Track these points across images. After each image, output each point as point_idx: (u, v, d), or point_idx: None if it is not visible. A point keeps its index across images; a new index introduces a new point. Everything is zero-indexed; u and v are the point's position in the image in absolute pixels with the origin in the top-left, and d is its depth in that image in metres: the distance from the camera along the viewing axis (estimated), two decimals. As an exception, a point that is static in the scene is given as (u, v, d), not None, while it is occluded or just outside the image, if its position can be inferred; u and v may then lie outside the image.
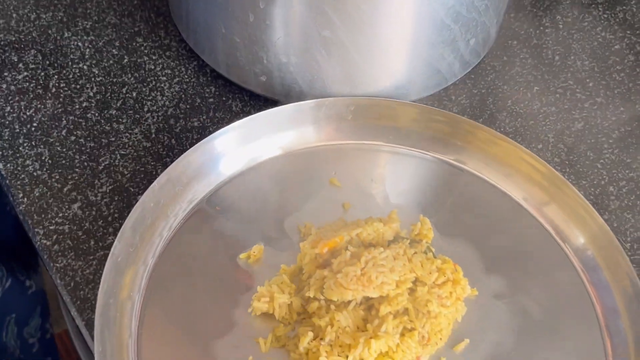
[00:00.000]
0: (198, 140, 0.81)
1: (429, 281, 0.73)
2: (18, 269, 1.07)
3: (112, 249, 0.71)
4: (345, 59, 0.82)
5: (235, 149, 0.82)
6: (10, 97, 0.89)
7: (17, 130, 0.87)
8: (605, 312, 0.75)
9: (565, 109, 0.95)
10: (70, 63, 0.93)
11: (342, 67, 0.83)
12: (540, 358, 0.72)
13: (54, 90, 0.91)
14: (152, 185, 0.76)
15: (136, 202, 0.75)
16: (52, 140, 0.86)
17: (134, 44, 0.96)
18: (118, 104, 0.90)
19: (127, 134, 0.87)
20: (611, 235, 0.77)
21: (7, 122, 0.87)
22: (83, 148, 0.86)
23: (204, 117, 0.90)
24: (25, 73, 0.92)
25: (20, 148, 0.85)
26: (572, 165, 0.90)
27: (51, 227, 0.79)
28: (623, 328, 0.73)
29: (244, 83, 0.87)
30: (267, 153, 0.84)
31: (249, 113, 0.88)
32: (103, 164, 0.85)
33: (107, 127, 0.88)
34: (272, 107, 0.84)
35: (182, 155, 0.78)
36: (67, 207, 0.81)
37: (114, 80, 0.92)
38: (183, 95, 0.92)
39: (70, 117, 0.88)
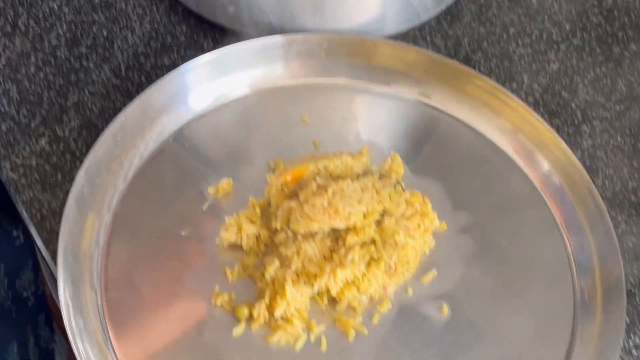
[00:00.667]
0: (168, 76, 0.80)
1: (397, 213, 0.73)
2: (5, 219, 1.06)
3: (76, 178, 0.70)
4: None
5: (204, 84, 0.81)
6: (-22, 35, 0.88)
7: (-15, 67, 0.86)
8: (572, 239, 0.75)
9: (541, 51, 0.95)
10: (39, 1, 0.92)
11: (311, -2, 0.81)
12: (509, 287, 0.72)
13: (23, 28, 0.89)
14: (118, 116, 0.75)
15: (103, 135, 0.74)
16: (20, 77, 0.85)
17: (106, -17, 0.95)
18: (88, 42, 0.89)
19: (96, 71, 0.86)
20: (574, 161, 0.78)
21: (-25, 60, 0.86)
22: (52, 85, 0.85)
23: (175, 55, 0.89)
24: (-6, 11, 0.91)
25: (-12, 84, 0.84)
26: (546, 105, 0.89)
27: (18, 161, 0.78)
28: (589, 248, 0.74)
29: (213, 16, 0.86)
30: (237, 89, 0.83)
31: (220, 51, 0.87)
32: (72, 100, 0.84)
33: (76, 65, 0.87)
34: (243, 44, 0.83)
35: (149, 88, 0.77)
36: (34, 141, 0.80)
37: (84, 18, 0.91)
38: (154, 34, 0.90)
39: (39, 55, 0.87)
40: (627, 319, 0.74)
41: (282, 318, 0.68)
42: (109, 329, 0.66)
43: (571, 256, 0.75)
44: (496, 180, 0.80)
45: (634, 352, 0.73)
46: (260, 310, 0.68)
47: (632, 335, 0.73)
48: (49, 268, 0.76)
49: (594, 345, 0.69)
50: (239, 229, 0.72)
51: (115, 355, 0.65)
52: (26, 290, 1.06)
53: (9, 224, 1.05)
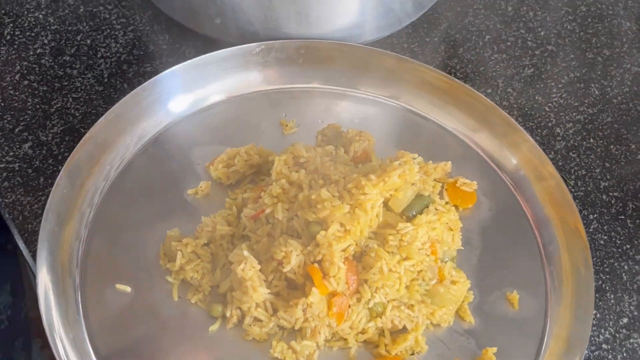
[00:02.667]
0: (150, 83, 0.82)
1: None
2: None
3: (57, 179, 0.72)
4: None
5: (184, 90, 0.83)
6: (-35, 45, 0.90)
7: (-29, 75, 0.88)
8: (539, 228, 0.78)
9: (515, 56, 0.97)
10: (25, 12, 0.94)
11: (295, 6, 0.83)
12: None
13: (8, 37, 0.92)
14: (99, 120, 0.77)
15: (85, 139, 0.76)
16: (4, 84, 0.87)
17: (90, -6, 0.97)
18: (72, 51, 0.91)
19: (80, 79, 0.88)
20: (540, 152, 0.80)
21: (-39, 68, 0.88)
22: (36, 92, 0.87)
23: (157, 62, 0.91)
24: (-20, 21, 0.93)
25: (-27, 91, 0.86)
26: (520, 108, 0.91)
27: (1, 165, 0.80)
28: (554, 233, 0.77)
29: (200, 28, 0.88)
30: (217, 95, 0.85)
31: (201, 59, 0.89)
32: (55, 107, 0.85)
33: (60, 72, 0.89)
34: (223, 51, 0.85)
35: (130, 93, 0.79)
36: (17, 146, 0.82)
37: (69, 28, 0.93)
38: (137, 42, 0.93)
39: (24, 63, 0.89)
40: (598, 313, 0.75)
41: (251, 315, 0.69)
42: (84, 323, 0.68)
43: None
44: (465, 172, 0.82)
45: (604, 346, 0.74)
46: (233, 310, 0.69)
47: (602, 331, 0.75)
48: (33, 282, 0.77)
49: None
50: (213, 229, 0.73)
51: (92, 349, 0.67)
52: (1, 314, 1.05)
53: None
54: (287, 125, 0.84)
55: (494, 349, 0.69)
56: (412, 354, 0.70)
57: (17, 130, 0.83)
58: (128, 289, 0.70)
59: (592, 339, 0.74)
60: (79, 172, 0.75)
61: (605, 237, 0.81)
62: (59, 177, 0.73)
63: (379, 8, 0.88)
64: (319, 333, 0.68)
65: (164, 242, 0.73)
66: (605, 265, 0.79)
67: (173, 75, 0.82)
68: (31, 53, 0.90)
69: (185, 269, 0.71)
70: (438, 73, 0.85)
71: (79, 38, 0.92)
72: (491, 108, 0.82)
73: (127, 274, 0.71)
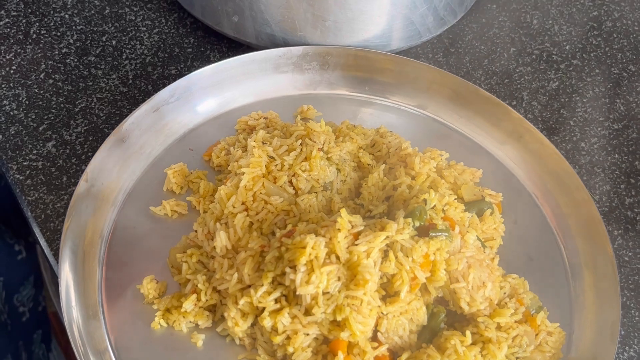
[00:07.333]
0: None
1: None
2: (7, 233, 1.07)
3: (80, 179, 0.72)
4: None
5: (210, 92, 0.83)
6: (-10, 42, 0.91)
7: (-4, 73, 0.88)
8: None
9: (540, 69, 0.96)
10: (52, 12, 0.94)
11: (312, 8, 0.82)
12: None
13: (34, 36, 0.92)
14: (125, 119, 0.77)
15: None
16: (30, 82, 0.87)
17: (116, -4, 0.97)
18: (97, 51, 0.91)
19: (104, 79, 0.88)
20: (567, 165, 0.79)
21: (-13, 66, 0.88)
22: (60, 91, 0.87)
23: (182, 65, 0.91)
24: (7, 20, 0.93)
25: (-2, 89, 0.86)
26: (545, 122, 0.90)
27: (25, 163, 0.80)
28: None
29: (218, 25, 0.88)
30: (244, 98, 0.85)
31: (226, 63, 0.89)
32: (79, 106, 0.85)
33: (85, 72, 0.89)
34: (248, 55, 0.85)
35: (157, 93, 0.79)
36: (41, 145, 0.82)
37: (95, 29, 0.93)
38: (162, 45, 0.92)
39: (50, 62, 0.89)
40: (623, 330, 0.74)
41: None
42: (104, 321, 0.68)
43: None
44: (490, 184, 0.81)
45: (629, 363, 0.73)
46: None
47: (627, 348, 0.74)
48: (53, 278, 0.77)
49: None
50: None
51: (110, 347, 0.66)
52: (24, 306, 1.06)
53: (11, 238, 1.06)
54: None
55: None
56: None
57: (41, 128, 0.83)
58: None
59: (617, 356, 0.73)
60: (102, 172, 0.74)
61: (630, 254, 0.80)
62: (82, 176, 0.72)
63: (398, 19, 0.87)
64: None
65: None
66: (630, 281, 0.78)
67: (200, 77, 0.82)
68: (56, 52, 0.90)
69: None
70: (466, 84, 0.84)
71: (104, 39, 0.92)
72: (518, 120, 0.82)
73: (149, 273, 0.71)
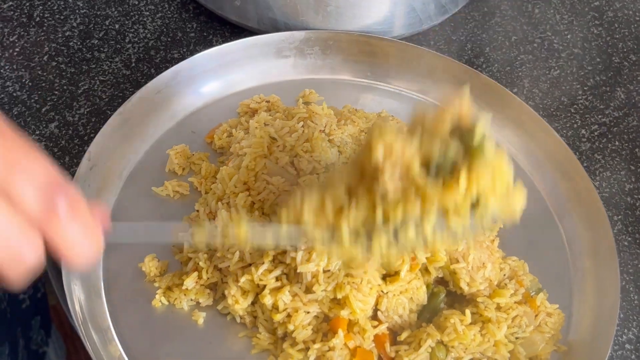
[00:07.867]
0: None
1: None
2: None
3: (82, 159, 0.72)
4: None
5: (212, 75, 0.83)
6: (-6, 25, 0.91)
7: None
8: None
9: (542, 58, 0.97)
10: (55, -5, 0.95)
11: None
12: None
13: (37, 19, 0.92)
14: (128, 100, 0.77)
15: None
16: (33, 64, 0.87)
17: (120, -19, 0.98)
18: (100, 35, 0.91)
19: (107, 62, 0.89)
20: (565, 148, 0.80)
21: (-10, 48, 0.89)
22: (63, 73, 0.87)
23: (184, 49, 0.91)
24: (10, 2, 0.93)
25: (1, 70, 0.86)
26: (545, 109, 0.91)
27: (27, 143, 0.80)
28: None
29: (220, 9, 0.88)
30: (244, 82, 0.85)
31: (229, 47, 0.89)
32: (82, 88, 0.86)
33: (88, 55, 0.89)
34: (251, 40, 0.85)
35: (160, 75, 0.79)
36: (44, 125, 0.82)
37: (98, 12, 0.94)
38: (165, 29, 0.93)
39: (53, 45, 0.90)
40: (621, 314, 0.75)
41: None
42: (105, 300, 0.68)
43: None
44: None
45: (627, 346, 0.73)
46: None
47: (625, 331, 0.74)
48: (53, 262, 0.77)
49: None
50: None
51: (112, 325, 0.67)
52: (24, 293, 1.06)
53: None
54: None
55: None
56: None
57: (44, 109, 0.83)
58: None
59: (616, 338, 0.73)
60: (104, 151, 0.75)
61: (630, 239, 0.81)
62: (84, 155, 0.73)
63: (400, 6, 0.87)
64: None
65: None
66: (629, 266, 0.78)
67: (203, 60, 0.82)
68: (60, 35, 0.91)
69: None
70: (467, 69, 0.84)
71: (107, 23, 0.93)
72: (519, 106, 0.82)
73: (151, 252, 0.71)
